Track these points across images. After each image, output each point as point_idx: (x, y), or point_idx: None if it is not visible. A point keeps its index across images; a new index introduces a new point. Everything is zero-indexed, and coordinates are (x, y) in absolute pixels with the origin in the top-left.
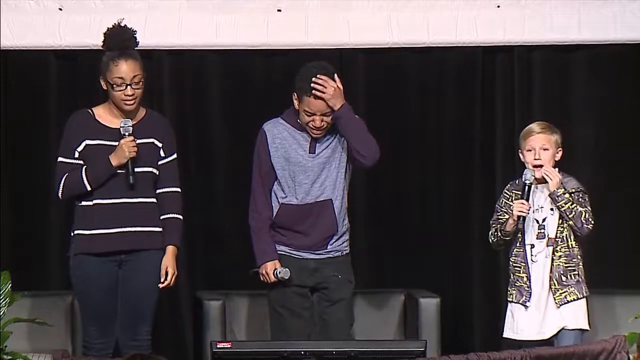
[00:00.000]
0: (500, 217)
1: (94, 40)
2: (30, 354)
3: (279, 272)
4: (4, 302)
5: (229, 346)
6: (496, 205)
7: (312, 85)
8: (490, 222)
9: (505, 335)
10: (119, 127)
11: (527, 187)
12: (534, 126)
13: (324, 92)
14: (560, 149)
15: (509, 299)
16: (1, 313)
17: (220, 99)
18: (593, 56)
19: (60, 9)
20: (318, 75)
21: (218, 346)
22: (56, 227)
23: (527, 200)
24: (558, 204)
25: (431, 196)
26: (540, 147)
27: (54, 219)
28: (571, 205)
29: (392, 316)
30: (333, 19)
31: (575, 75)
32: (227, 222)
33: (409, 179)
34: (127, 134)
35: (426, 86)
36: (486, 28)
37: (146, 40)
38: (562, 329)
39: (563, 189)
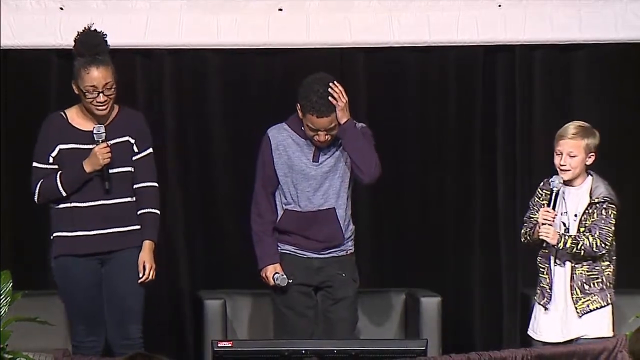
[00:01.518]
0: (532, 215)
1: None
2: (30, 354)
3: (277, 279)
4: (4, 302)
5: (229, 345)
6: (529, 202)
7: (329, 90)
8: (524, 218)
9: (528, 332)
10: (91, 130)
11: (553, 194)
12: (569, 128)
13: (337, 101)
14: (592, 153)
15: (534, 298)
16: (2, 312)
17: (220, 99)
18: (594, 56)
19: (61, 9)
20: (334, 84)
21: (219, 345)
22: None
23: (554, 207)
24: (567, 252)
25: (431, 196)
26: (567, 152)
27: None
28: (576, 246)
29: (393, 315)
30: (334, 19)
31: (576, 75)
32: (227, 222)
33: (409, 179)
34: (100, 140)
35: (427, 86)
36: (487, 27)
37: (147, 39)
38: (583, 336)
39: (593, 199)
